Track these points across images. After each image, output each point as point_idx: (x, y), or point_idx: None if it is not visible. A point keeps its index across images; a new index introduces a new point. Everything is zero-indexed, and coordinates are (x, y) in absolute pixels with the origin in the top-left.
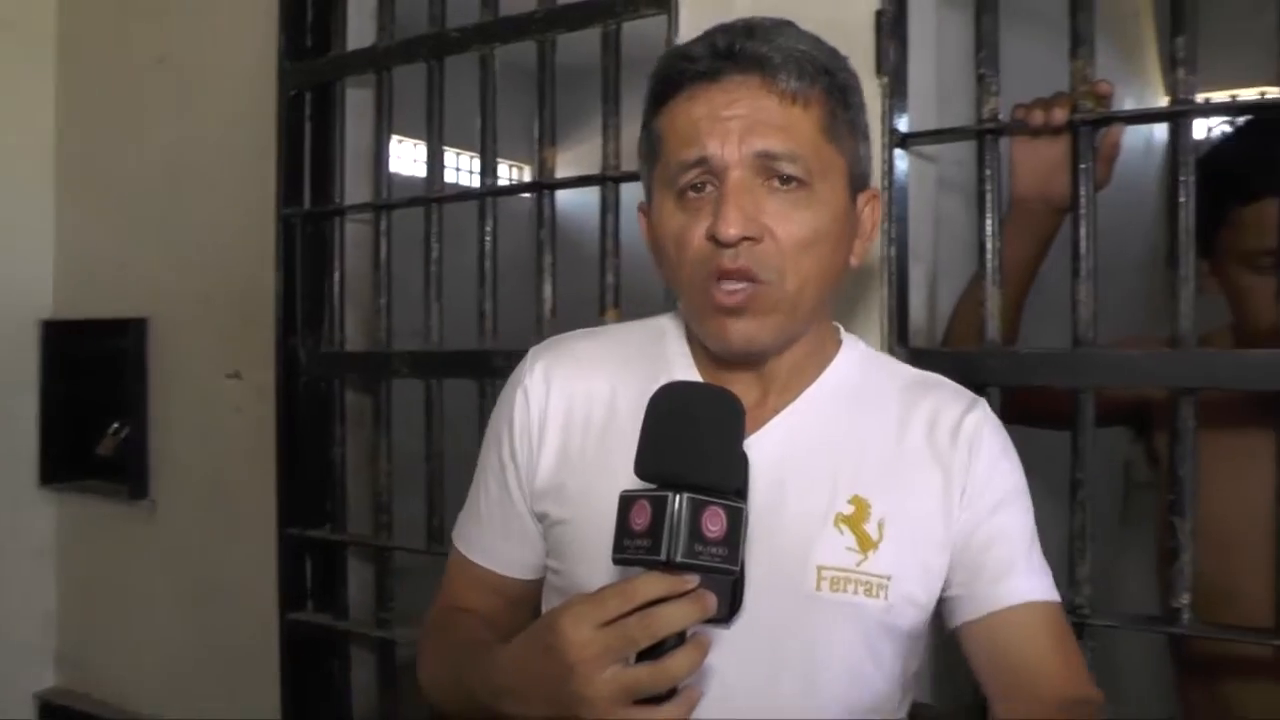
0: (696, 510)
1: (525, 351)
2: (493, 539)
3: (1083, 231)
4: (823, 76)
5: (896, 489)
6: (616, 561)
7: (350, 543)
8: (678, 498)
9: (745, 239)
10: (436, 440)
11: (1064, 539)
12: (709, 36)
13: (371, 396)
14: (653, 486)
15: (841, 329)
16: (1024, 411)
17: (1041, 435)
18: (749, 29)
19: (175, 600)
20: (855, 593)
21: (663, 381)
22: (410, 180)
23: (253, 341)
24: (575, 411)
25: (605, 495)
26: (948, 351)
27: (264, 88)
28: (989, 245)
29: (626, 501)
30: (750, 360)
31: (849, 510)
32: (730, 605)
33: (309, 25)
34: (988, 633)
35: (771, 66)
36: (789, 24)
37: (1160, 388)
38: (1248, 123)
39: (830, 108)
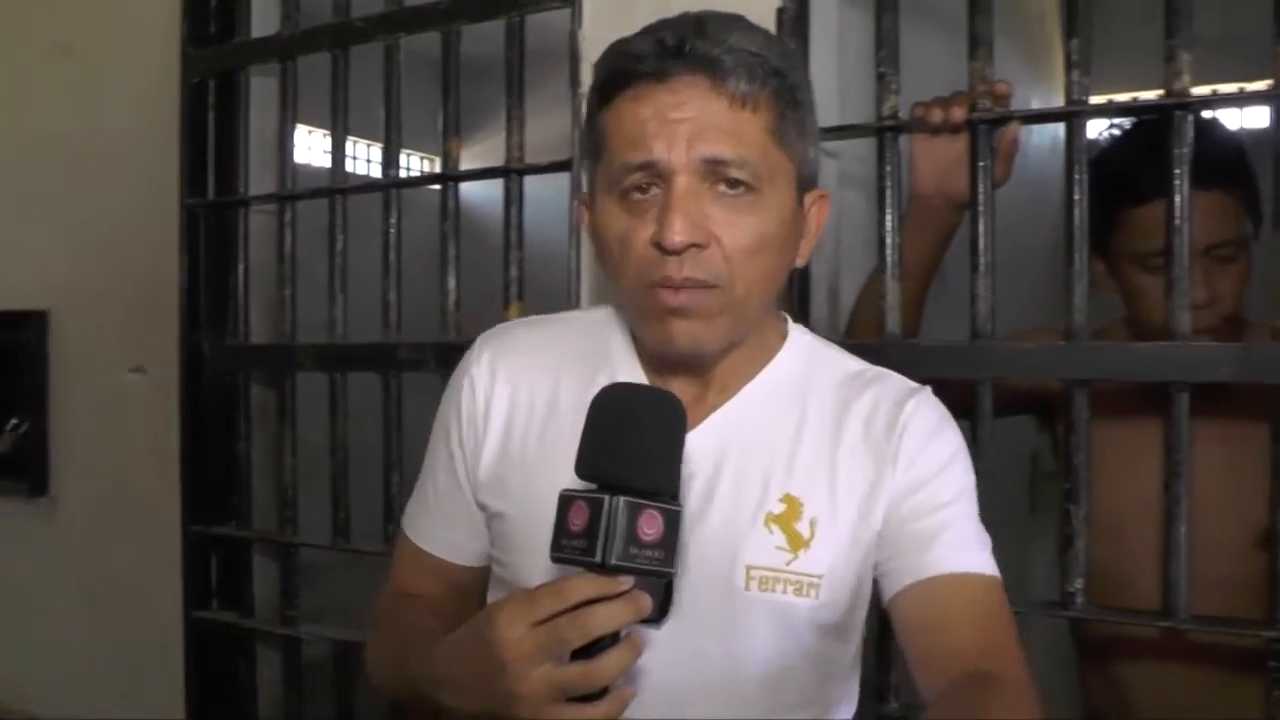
0: (633, 513)
1: (430, 345)
2: (440, 527)
3: (981, 228)
4: (773, 78)
5: (829, 487)
6: (554, 560)
7: (256, 539)
8: (615, 500)
9: (691, 246)
10: (341, 434)
11: None
12: (657, 32)
13: (276, 390)
14: (592, 487)
15: (789, 320)
16: None
17: None
18: (699, 26)
19: (76, 599)
20: (784, 592)
21: (606, 378)
22: (319, 170)
23: (156, 334)
24: (519, 403)
25: (545, 490)
26: (849, 344)
27: (166, 75)
28: (889, 240)
29: (565, 501)
30: (694, 362)
31: (780, 509)
32: (662, 605)
33: (212, 11)
34: (912, 603)
35: (721, 69)
36: (739, 19)
37: (1055, 380)
38: (1135, 127)
39: (780, 110)
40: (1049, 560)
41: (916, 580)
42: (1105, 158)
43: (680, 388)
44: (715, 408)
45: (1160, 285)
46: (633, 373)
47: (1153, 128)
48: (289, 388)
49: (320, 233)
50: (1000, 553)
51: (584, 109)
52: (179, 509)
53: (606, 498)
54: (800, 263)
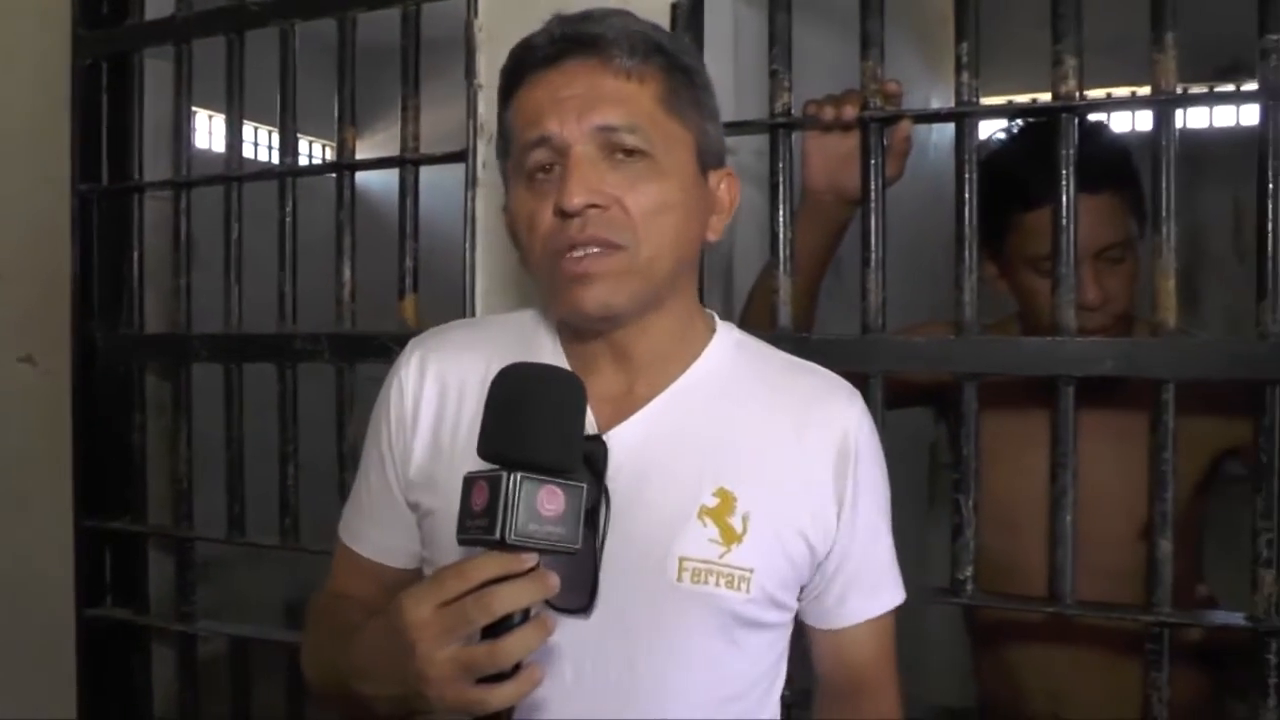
0: (532, 489)
1: (325, 335)
2: (374, 529)
3: (872, 224)
4: (658, 54)
5: (764, 483)
6: (460, 542)
7: (150, 534)
8: (512, 477)
9: (591, 206)
10: (236, 426)
11: None
12: (548, 26)
13: (171, 381)
14: (494, 467)
15: (716, 316)
16: None
17: None
18: (586, 15)
19: None
20: (716, 584)
21: None
22: (219, 155)
23: (46, 323)
24: (447, 400)
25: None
26: None
27: (57, 56)
28: (781, 234)
29: (468, 483)
30: (607, 329)
31: (713, 503)
32: (590, 594)
33: None
34: (829, 644)
35: (606, 44)
36: (625, 11)
37: (945, 373)
38: (1025, 131)
39: (670, 84)
40: (947, 549)
41: (835, 628)
42: (996, 161)
43: (607, 381)
44: (646, 400)
45: (1050, 285)
46: (557, 361)
47: (1042, 131)
48: (184, 379)
49: (218, 219)
50: (900, 544)
51: (480, 104)
52: (70, 503)
53: (504, 475)
54: (713, 237)
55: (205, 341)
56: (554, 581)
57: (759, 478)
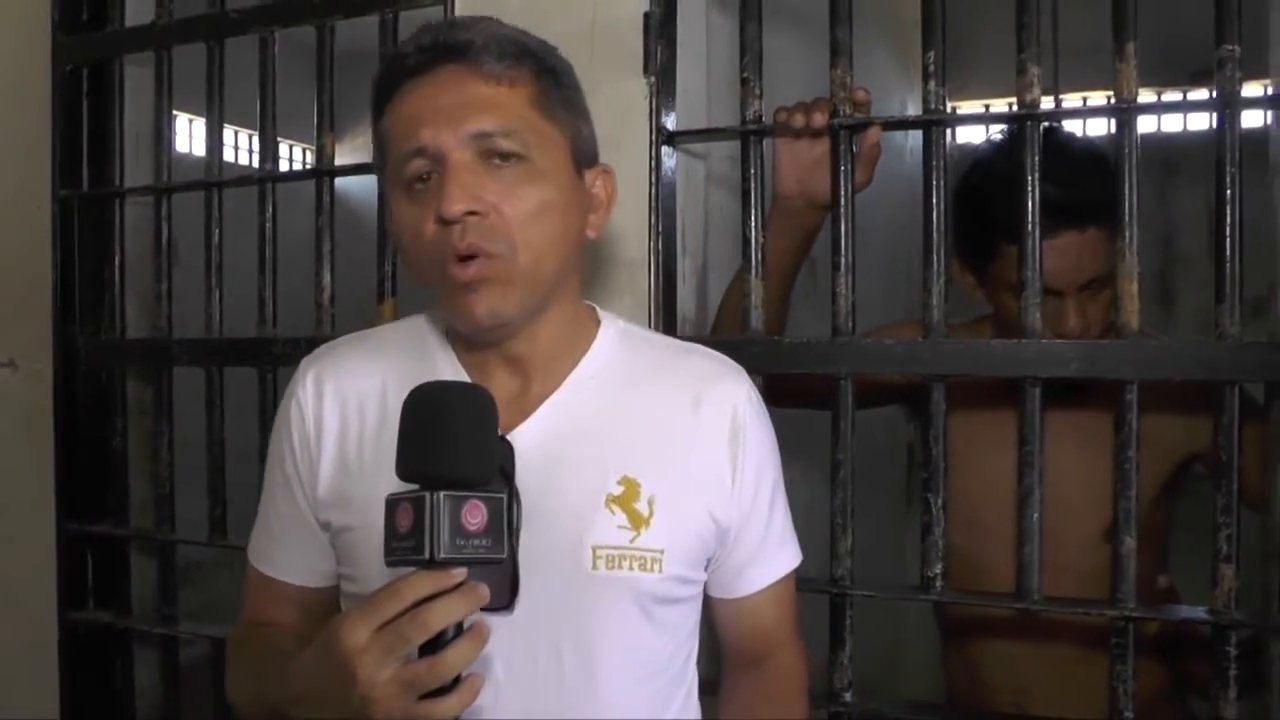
0: (455, 506)
1: (305, 340)
2: (286, 552)
3: (842, 229)
4: (528, 58)
5: (665, 465)
6: (389, 564)
7: (132, 537)
8: (435, 496)
9: (470, 214)
10: (217, 430)
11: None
12: (416, 35)
13: (153, 385)
14: (415, 487)
15: (599, 309)
16: (792, 394)
17: (820, 418)
18: (452, 23)
19: None
20: (630, 568)
21: (428, 378)
22: (198, 159)
23: (28, 328)
24: (350, 417)
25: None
26: (713, 340)
27: (36, 62)
28: (752, 239)
29: (391, 505)
30: (499, 336)
31: (619, 490)
32: (511, 591)
33: None
34: (731, 613)
35: (475, 51)
36: (492, 18)
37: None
38: (1009, 156)
39: (540, 86)
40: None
41: (735, 597)
42: (983, 187)
43: (503, 383)
44: (543, 398)
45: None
46: (452, 368)
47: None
48: (165, 383)
49: (199, 224)
50: (878, 542)
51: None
52: (52, 507)
53: (427, 495)
54: (592, 234)
55: (186, 345)
56: (484, 592)
57: (659, 461)
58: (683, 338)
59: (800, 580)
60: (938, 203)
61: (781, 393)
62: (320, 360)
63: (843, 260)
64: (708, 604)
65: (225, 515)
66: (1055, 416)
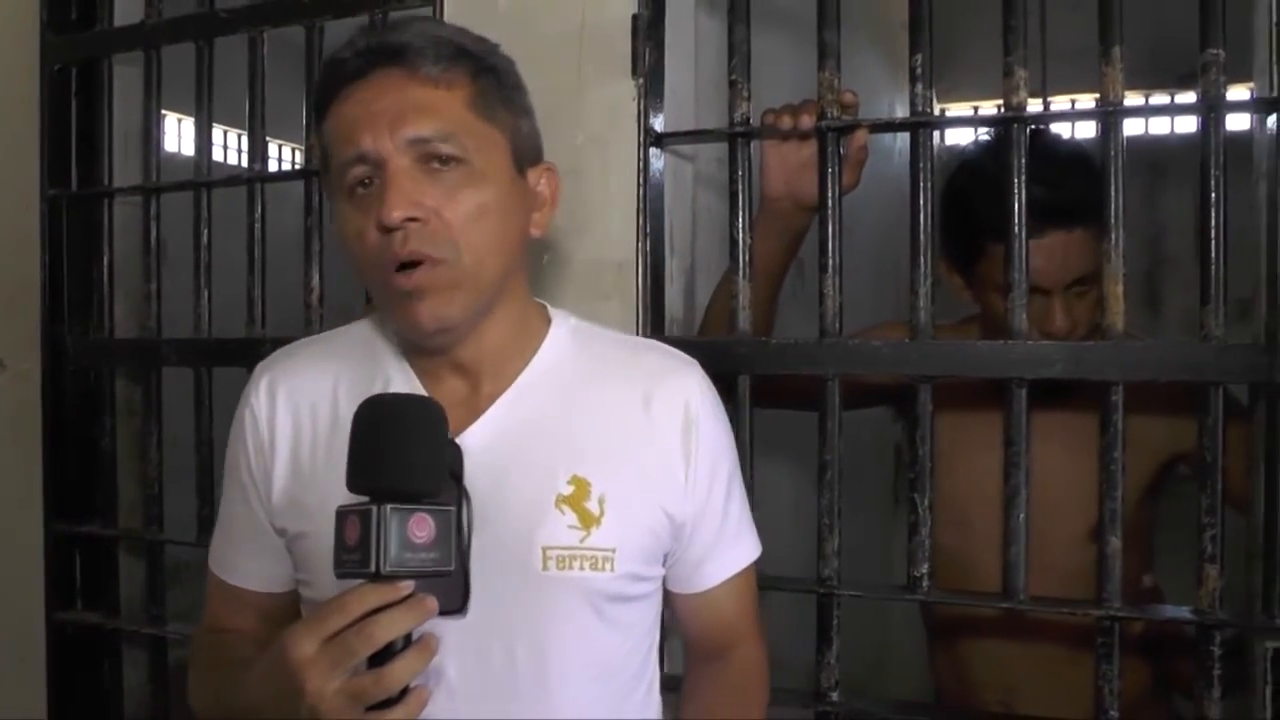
0: (402, 520)
1: (295, 339)
2: (244, 558)
3: (829, 230)
4: (464, 59)
5: (616, 464)
6: (338, 575)
7: (121, 537)
8: (382, 510)
9: (410, 220)
10: (206, 430)
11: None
12: (354, 39)
13: (141, 385)
14: (364, 499)
15: (549, 307)
16: (779, 395)
17: (807, 418)
18: (390, 26)
19: None
20: (581, 568)
21: (380, 386)
22: (187, 158)
23: (16, 328)
24: (302, 421)
25: (339, 504)
26: (702, 341)
27: (25, 61)
28: (740, 241)
29: (340, 517)
30: (447, 341)
31: (569, 490)
32: (464, 595)
33: None
34: (691, 607)
35: (410, 54)
36: (429, 18)
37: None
38: (996, 157)
39: (478, 87)
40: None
41: (694, 592)
42: (970, 187)
43: (452, 387)
44: (493, 399)
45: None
46: (404, 377)
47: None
48: (154, 382)
49: (188, 223)
50: (866, 542)
51: None
52: (40, 507)
53: (374, 509)
54: (536, 233)
55: (175, 345)
56: (432, 605)
57: (611, 459)
58: (671, 338)
59: (787, 580)
60: (925, 204)
61: (768, 394)
62: (273, 366)
63: (830, 262)
64: (669, 599)
65: (214, 516)
66: (1041, 416)
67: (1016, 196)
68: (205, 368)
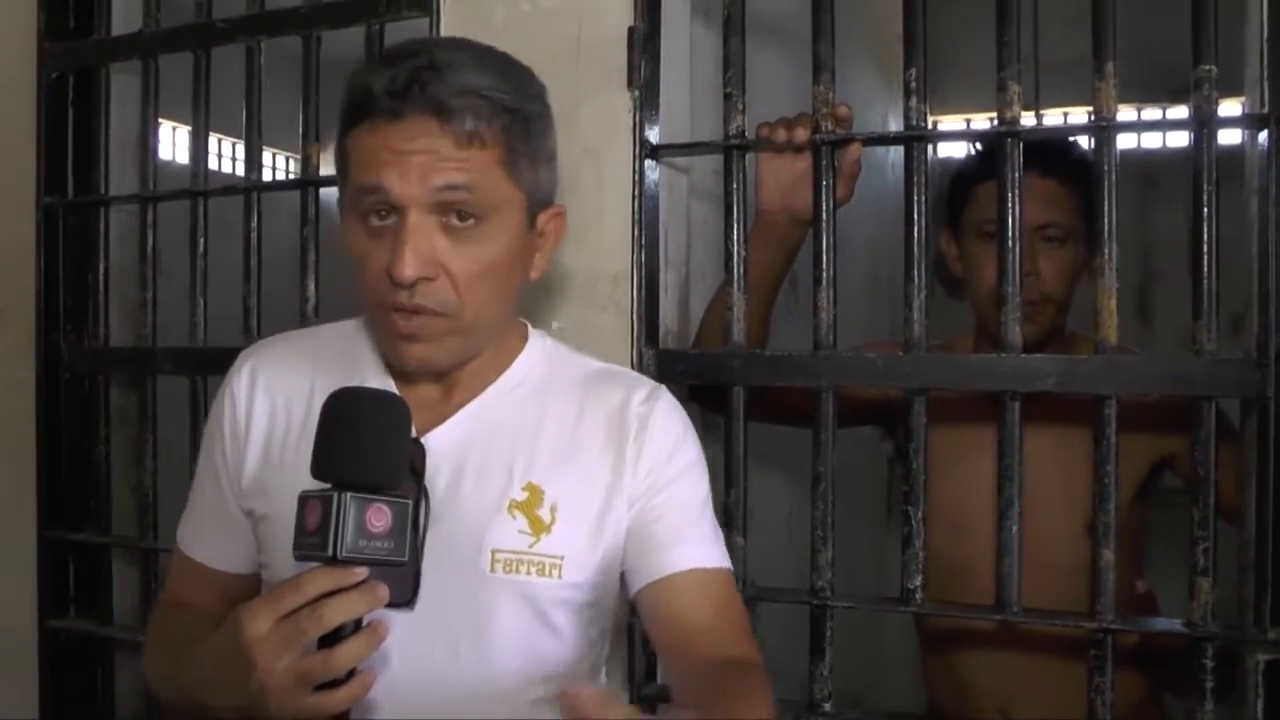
0: (361, 508)
1: None
2: (209, 536)
3: (823, 243)
4: (502, 115)
5: (570, 475)
6: (296, 558)
7: (115, 545)
8: (342, 497)
9: (420, 279)
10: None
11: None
12: (391, 68)
13: (137, 393)
14: (327, 486)
15: (529, 325)
16: (773, 411)
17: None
18: (431, 63)
19: None
20: (528, 573)
21: (357, 382)
22: (184, 167)
23: (11, 335)
24: (278, 411)
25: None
26: (695, 353)
27: (22, 69)
28: (735, 253)
29: (302, 501)
30: (428, 375)
31: (522, 496)
32: (413, 589)
33: (71, 4)
34: (655, 597)
35: (449, 111)
36: (473, 50)
37: (895, 389)
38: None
39: (509, 144)
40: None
41: (657, 578)
42: (965, 170)
43: (425, 391)
44: (460, 406)
45: (993, 253)
46: (380, 377)
47: None
48: (150, 390)
49: (184, 232)
50: (860, 553)
51: None
52: (34, 514)
53: (335, 495)
54: (534, 275)
55: (170, 354)
56: (383, 593)
57: (565, 469)
58: (663, 350)
59: (780, 591)
60: (919, 217)
61: (762, 409)
62: (256, 354)
63: (824, 275)
64: (637, 608)
65: None
66: (1030, 414)
67: (1011, 209)
68: (200, 376)
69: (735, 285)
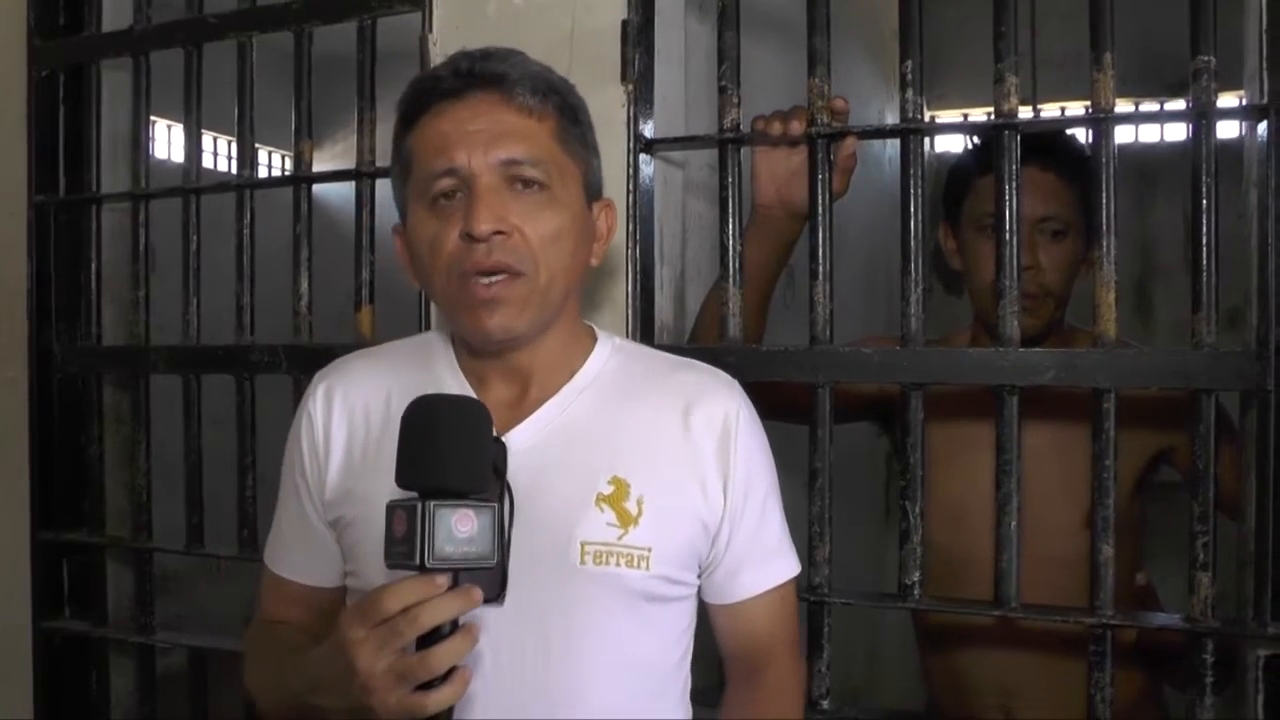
0: (446, 515)
1: (283, 347)
2: (296, 554)
3: (820, 237)
4: (554, 95)
5: (654, 468)
6: (388, 565)
7: (108, 545)
8: (427, 505)
9: (497, 233)
10: (195, 437)
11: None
12: (452, 61)
13: (130, 393)
14: (412, 495)
15: (596, 327)
16: (769, 405)
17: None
18: (486, 54)
19: None
20: (617, 565)
21: (432, 388)
22: (176, 164)
23: (2, 335)
24: (356, 421)
25: (386, 496)
26: (690, 348)
27: (12, 67)
28: (730, 248)
29: (389, 511)
30: (506, 348)
31: (609, 490)
32: (501, 585)
33: (61, 1)
34: (726, 618)
35: (509, 83)
36: (521, 53)
37: (892, 384)
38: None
39: (562, 122)
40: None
41: (731, 602)
42: (964, 162)
43: (501, 392)
44: (539, 404)
45: (991, 246)
46: (456, 382)
47: None
48: (143, 389)
49: (176, 230)
50: (859, 552)
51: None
52: (27, 515)
53: (419, 504)
54: (595, 262)
55: (163, 353)
56: (477, 595)
57: (649, 464)
58: (660, 345)
59: None
60: (915, 211)
61: (759, 405)
62: (330, 374)
63: (820, 269)
64: (706, 612)
65: (203, 523)
66: (1032, 405)
67: (1009, 204)
68: (194, 375)
69: (731, 280)
